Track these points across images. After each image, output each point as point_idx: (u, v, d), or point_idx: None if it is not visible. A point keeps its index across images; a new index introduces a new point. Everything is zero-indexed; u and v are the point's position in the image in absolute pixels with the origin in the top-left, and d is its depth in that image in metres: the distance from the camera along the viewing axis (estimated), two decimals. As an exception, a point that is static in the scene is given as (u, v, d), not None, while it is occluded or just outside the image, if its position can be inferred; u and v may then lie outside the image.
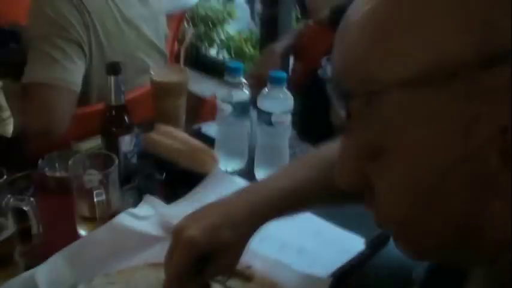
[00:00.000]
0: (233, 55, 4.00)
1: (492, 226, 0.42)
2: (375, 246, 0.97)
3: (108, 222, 0.93)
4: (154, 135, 1.18)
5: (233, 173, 1.18)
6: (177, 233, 0.70)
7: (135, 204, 1.03)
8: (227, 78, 1.14)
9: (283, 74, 1.10)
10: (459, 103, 0.40)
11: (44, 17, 1.35)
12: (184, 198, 1.07)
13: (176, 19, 2.56)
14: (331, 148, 0.72)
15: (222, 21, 4.06)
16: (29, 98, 1.00)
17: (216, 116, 1.19)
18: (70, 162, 0.93)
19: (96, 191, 0.90)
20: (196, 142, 1.16)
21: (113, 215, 0.95)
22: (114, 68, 1.06)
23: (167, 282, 0.70)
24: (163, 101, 1.30)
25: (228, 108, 1.14)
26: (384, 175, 0.46)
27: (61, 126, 1.04)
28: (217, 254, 0.71)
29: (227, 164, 1.18)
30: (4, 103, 0.99)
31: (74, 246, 0.88)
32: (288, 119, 1.11)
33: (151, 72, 1.30)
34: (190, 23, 3.91)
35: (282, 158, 1.14)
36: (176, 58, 3.07)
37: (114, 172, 0.93)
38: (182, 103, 1.31)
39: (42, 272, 0.83)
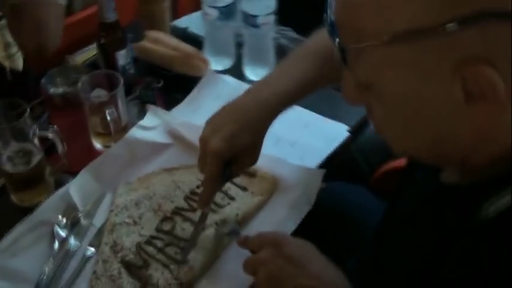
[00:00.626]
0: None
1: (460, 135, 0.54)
2: (356, 131, 1.10)
3: (122, 137, 1.03)
4: (146, 44, 1.23)
5: (224, 72, 1.25)
6: (203, 143, 0.81)
7: (139, 113, 1.12)
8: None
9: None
10: (435, 55, 0.49)
11: None
12: (183, 102, 1.16)
13: None
14: (320, 38, 0.84)
15: None
16: (19, 19, 1.02)
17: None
18: (79, 84, 1.00)
19: (108, 110, 0.99)
20: (187, 47, 1.22)
21: (124, 127, 1.05)
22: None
23: (206, 182, 0.83)
24: (149, 4, 1.33)
25: (214, 13, 1.19)
26: (376, 102, 0.58)
27: (56, 41, 1.08)
28: (240, 156, 0.82)
29: (216, 64, 1.25)
30: (10, 39, 1.03)
31: (96, 161, 0.99)
32: (271, 19, 1.16)
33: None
34: None
35: (268, 56, 1.21)
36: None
37: (121, 90, 1.01)
38: (167, 6, 1.34)
39: (74, 187, 0.95)
